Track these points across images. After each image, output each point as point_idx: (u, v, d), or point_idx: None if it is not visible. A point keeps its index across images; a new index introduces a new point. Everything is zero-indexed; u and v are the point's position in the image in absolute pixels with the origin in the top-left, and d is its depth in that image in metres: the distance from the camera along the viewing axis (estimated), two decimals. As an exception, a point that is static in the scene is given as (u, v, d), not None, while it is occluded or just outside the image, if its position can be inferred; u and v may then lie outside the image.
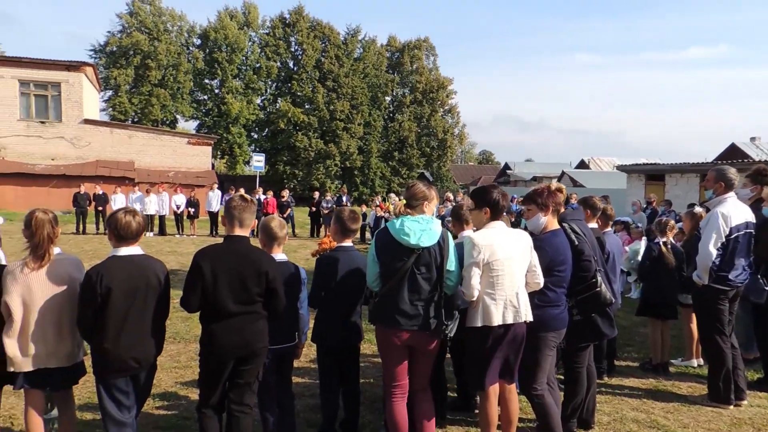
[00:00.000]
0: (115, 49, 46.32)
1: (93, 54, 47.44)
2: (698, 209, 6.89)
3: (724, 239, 5.16)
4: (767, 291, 5.75)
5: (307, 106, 47.69)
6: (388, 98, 52.11)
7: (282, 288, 3.72)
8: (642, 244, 8.54)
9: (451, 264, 3.80)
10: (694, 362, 6.63)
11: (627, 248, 8.67)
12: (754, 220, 5.37)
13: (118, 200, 20.31)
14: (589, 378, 4.65)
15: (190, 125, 52.92)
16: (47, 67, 28.91)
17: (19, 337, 3.43)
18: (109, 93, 46.50)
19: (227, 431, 3.70)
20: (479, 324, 3.78)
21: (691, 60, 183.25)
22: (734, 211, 5.21)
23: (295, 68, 48.92)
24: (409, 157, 49.62)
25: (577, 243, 4.25)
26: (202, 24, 50.70)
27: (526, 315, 3.84)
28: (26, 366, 3.45)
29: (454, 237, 4.35)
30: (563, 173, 41.59)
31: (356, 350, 4.43)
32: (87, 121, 29.80)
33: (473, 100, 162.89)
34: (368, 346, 6.68)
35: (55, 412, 3.78)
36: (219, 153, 48.40)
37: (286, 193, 22.17)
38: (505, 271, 3.77)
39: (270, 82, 50.50)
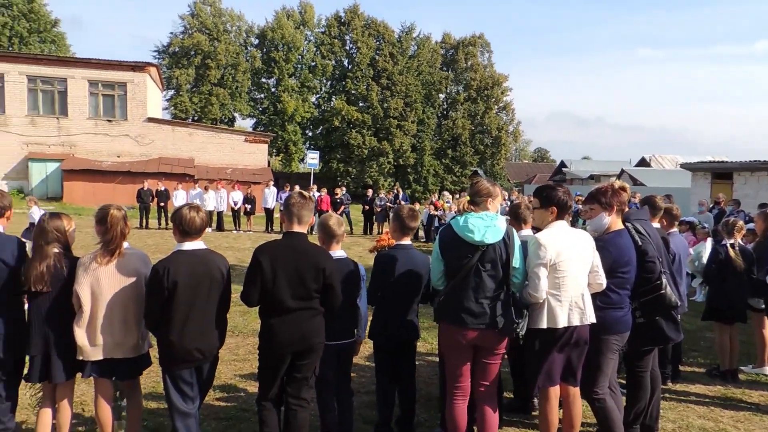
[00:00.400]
0: (177, 49, 47.83)
1: (156, 55, 49.23)
2: (772, 209, 6.53)
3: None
4: None
5: (361, 104, 47.94)
6: (441, 96, 51.78)
7: (339, 284, 3.74)
8: (707, 246, 8.18)
9: (517, 261, 3.73)
10: (767, 369, 6.30)
11: (691, 250, 8.33)
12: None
13: (179, 196, 20.97)
14: (653, 383, 4.49)
15: (247, 123, 54.23)
16: (114, 68, 30.19)
17: (88, 328, 3.58)
18: (171, 92, 48.07)
19: (285, 424, 3.76)
20: (544, 326, 3.71)
21: (763, 53, 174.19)
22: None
23: (350, 66, 49.26)
24: (463, 155, 49.18)
25: (640, 243, 4.11)
26: (260, 24, 51.82)
27: (591, 317, 3.75)
28: (94, 355, 3.60)
29: None
30: (622, 171, 40.31)
31: (413, 348, 4.41)
32: (150, 120, 30.96)
33: (528, 97, 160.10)
34: (423, 345, 6.67)
35: (123, 402, 3.92)
36: (274, 150, 49.27)
37: (339, 191, 22.36)
38: (570, 272, 3.69)
39: (325, 81, 51.03)
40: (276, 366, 3.67)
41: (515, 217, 4.72)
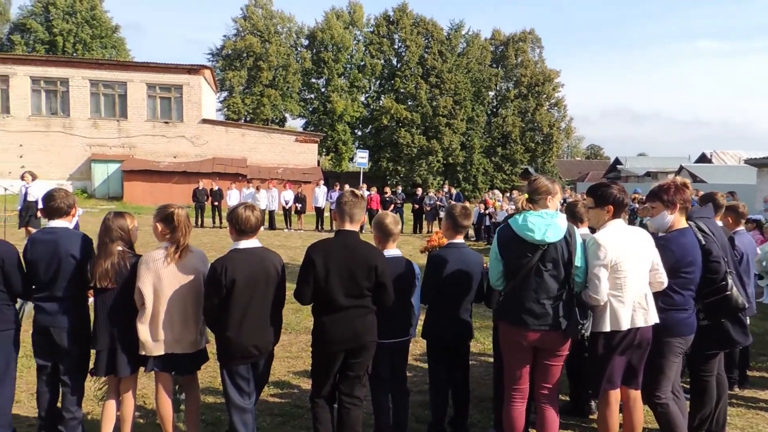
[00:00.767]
0: (230, 52, 48.97)
1: (210, 57, 50.59)
2: None
3: None
4: None
5: (409, 103, 47.88)
6: (491, 93, 51.16)
7: (391, 283, 3.74)
8: (777, 245, 7.78)
9: (579, 259, 3.62)
10: (842, 378, 5.94)
11: (759, 249, 7.94)
12: None
13: (232, 196, 21.46)
14: (719, 388, 4.30)
15: (298, 123, 55.03)
16: (171, 71, 31.16)
17: (150, 324, 3.70)
18: (225, 94, 49.26)
19: (338, 422, 3.78)
20: (607, 329, 3.60)
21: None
22: None
23: (399, 65, 49.29)
24: (513, 153, 48.46)
25: (704, 242, 3.94)
26: (310, 25, 52.43)
27: (655, 317, 3.62)
28: (156, 350, 3.71)
29: None
30: (681, 168, 38.84)
31: (466, 348, 4.37)
32: (205, 121, 31.81)
33: (581, 93, 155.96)
34: (476, 344, 6.59)
35: (182, 395, 4.03)
36: (324, 150, 49.80)
37: (389, 190, 22.41)
38: (631, 272, 3.58)
39: (374, 80, 51.23)
40: (328, 364, 3.70)
41: (572, 215, 4.60)
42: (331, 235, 3.81)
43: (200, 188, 21.83)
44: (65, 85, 29.97)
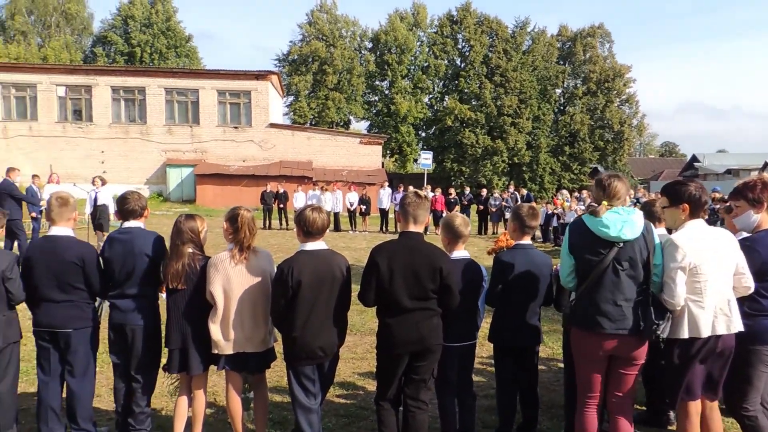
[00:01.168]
0: (296, 57, 50.02)
1: (277, 63, 51.82)
2: None
3: None
4: None
5: (474, 103, 47.36)
6: (558, 90, 49.85)
7: (457, 285, 3.67)
8: None
9: (658, 257, 3.43)
10: None
11: None
12: None
13: (298, 198, 21.86)
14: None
15: (362, 126, 55.50)
16: (240, 78, 32.17)
17: (221, 323, 3.79)
18: (291, 98, 50.34)
19: (403, 425, 3.75)
20: (686, 335, 3.39)
21: None
22: None
23: (462, 65, 48.86)
24: (581, 152, 47.03)
25: None
26: (374, 28, 52.82)
27: (738, 324, 3.38)
28: (227, 349, 3.80)
29: None
30: (766, 164, 36.58)
31: (534, 353, 4.25)
32: (272, 125, 32.62)
33: (654, 88, 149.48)
34: (545, 349, 6.40)
35: (251, 394, 4.11)
36: (388, 152, 50.03)
37: (453, 191, 22.25)
38: (711, 276, 3.35)
39: (437, 81, 51.03)
40: (393, 366, 3.67)
41: (649, 214, 4.36)
42: (396, 236, 3.78)
43: (267, 191, 22.35)
44: (142, 93, 31.46)
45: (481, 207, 21.46)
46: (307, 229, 3.67)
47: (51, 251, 3.89)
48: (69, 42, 50.90)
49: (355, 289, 3.73)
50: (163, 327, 4.04)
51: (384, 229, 21.39)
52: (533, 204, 4.42)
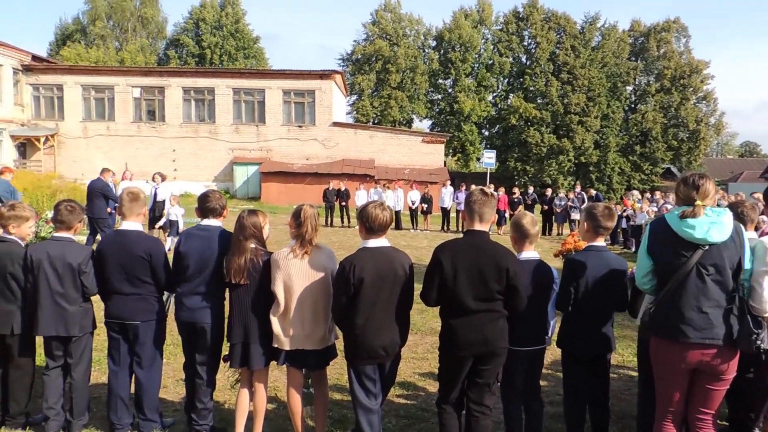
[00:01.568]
0: (359, 56, 50.38)
1: (341, 63, 52.35)
2: None
3: None
4: None
5: (539, 101, 46.30)
6: (629, 88, 48.05)
7: (524, 286, 3.52)
8: None
9: (749, 262, 3.17)
10: None
11: None
12: None
13: (360, 196, 21.94)
14: None
15: (424, 125, 55.31)
16: (304, 77, 32.68)
17: (282, 319, 3.78)
18: (354, 97, 50.73)
19: (466, 430, 3.62)
20: None
21: None
22: None
23: (528, 62, 47.88)
24: (653, 151, 45.14)
25: None
26: (438, 26, 52.49)
27: None
28: (286, 345, 3.80)
29: None
30: None
31: (606, 361, 4.00)
32: (335, 124, 32.96)
33: (734, 85, 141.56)
34: (614, 356, 6.09)
35: (312, 390, 4.09)
36: (451, 151, 49.61)
37: (518, 190, 21.79)
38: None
39: (502, 78, 50.20)
40: (456, 369, 3.56)
41: (736, 217, 4.05)
42: (459, 235, 3.66)
43: (330, 189, 22.55)
44: (211, 93, 32.45)
45: (546, 207, 20.89)
46: (369, 225, 3.60)
47: (121, 245, 4.00)
48: (144, 45, 53.14)
49: (417, 288, 3.64)
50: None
51: (446, 228, 21.18)
52: (609, 203, 4.18)
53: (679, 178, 3.26)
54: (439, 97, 51.73)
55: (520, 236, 3.86)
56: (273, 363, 4.00)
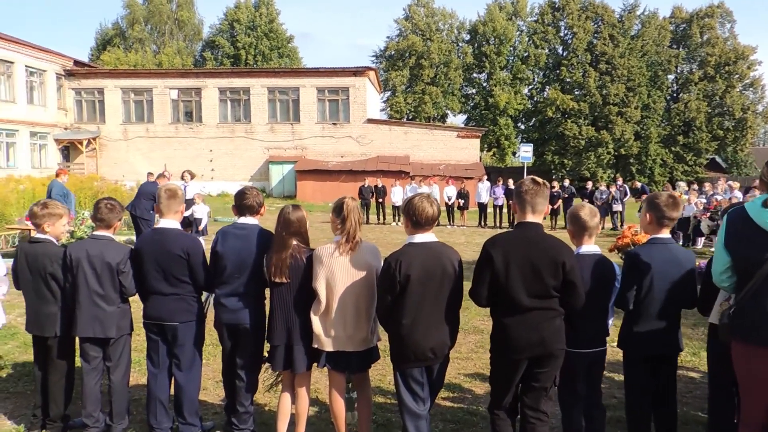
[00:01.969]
0: (392, 53, 50.14)
1: (374, 59, 52.16)
2: None
3: None
4: None
5: (576, 92, 45.32)
6: (671, 76, 46.58)
7: (581, 282, 3.26)
8: None
9: None
10: None
11: None
12: None
13: (396, 192, 21.75)
14: None
15: (459, 120, 54.78)
16: (338, 75, 32.61)
17: (323, 319, 3.61)
18: (388, 94, 50.52)
19: (521, 437, 3.39)
20: None
21: None
22: None
23: (565, 53, 46.88)
24: (697, 141, 43.63)
25: None
26: (472, 19, 51.86)
27: None
28: (327, 346, 3.62)
29: None
30: None
31: (673, 363, 3.69)
32: (370, 121, 32.83)
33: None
34: (686, 357, 5.73)
35: (354, 394, 3.91)
36: (486, 146, 48.98)
37: (556, 184, 21.24)
38: None
39: (538, 71, 49.31)
40: (510, 372, 3.32)
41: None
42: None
43: (365, 185, 22.42)
44: (247, 93, 32.69)
45: (586, 200, 20.32)
46: (416, 219, 3.37)
47: (159, 243, 3.88)
48: (181, 47, 54.00)
49: (465, 286, 3.41)
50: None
51: (483, 223, 20.81)
52: (673, 192, 3.87)
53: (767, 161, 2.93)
54: (474, 91, 51.13)
55: (579, 229, 3.58)
56: (313, 365, 3.84)
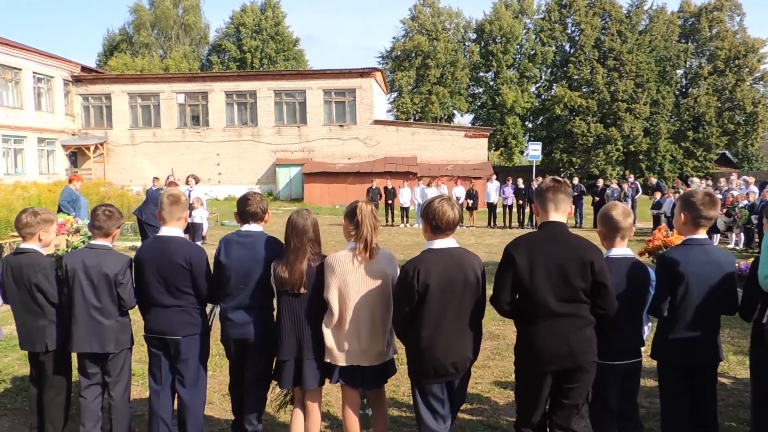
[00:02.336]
0: (398, 53, 49.92)
1: (380, 60, 51.97)
2: None
3: None
4: None
5: (584, 90, 44.94)
6: (679, 71, 46.11)
7: (612, 284, 3.02)
8: None
9: None
10: None
11: None
12: None
13: (404, 193, 21.50)
14: None
15: (466, 120, 54.48)
16: (344, 76, 32.42)
17: (336, 331, 3.37)
18: (394, 95, 50.28)
19: (550, 456, 3.14)
20: None
21: None
22: None
23: (572, 50, 46.50)
24: (707, 137, 43.12)
25: None
26: (478, 18, 51.57)
27: None
28: (340, 360, 3.38)
29: None
30: None
31: (713, 372, 3.40)
32: (377, 122, 32.61)
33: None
34: (731, 366, 5.45)
35: (369, 411, 3.68)
36: (493, 145, 48.65)
37: (567, 182, 20.90)
38: None
39: (545, 68, 48.95)
40: (536, 385, 3.07)
41: None
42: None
43: (373, 187, 22.18)
44: (253, 96, 32.55)
45: (597, 198, 19.96)
46: (435, 223, 3.13)
47: (160, 252, 3.64)
48: (187, 52, 54.00)
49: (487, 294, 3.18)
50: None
51: (492, 224, 20.50)
52: (710, 189, 3.61)
53: None
54: (481, 90, 50.85)
55: (610, 230, 3.30)
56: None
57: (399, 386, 4.95)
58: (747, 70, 43.45)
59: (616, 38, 43.80)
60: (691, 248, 3.25)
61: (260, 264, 3.55)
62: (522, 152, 50.42)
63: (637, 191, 20.66)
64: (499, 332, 6.61)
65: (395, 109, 49.70)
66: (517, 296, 3.10)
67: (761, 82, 44.87)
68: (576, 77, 45.19)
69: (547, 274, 2.97)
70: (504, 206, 20.46)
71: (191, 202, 12.77)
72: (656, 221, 18.00)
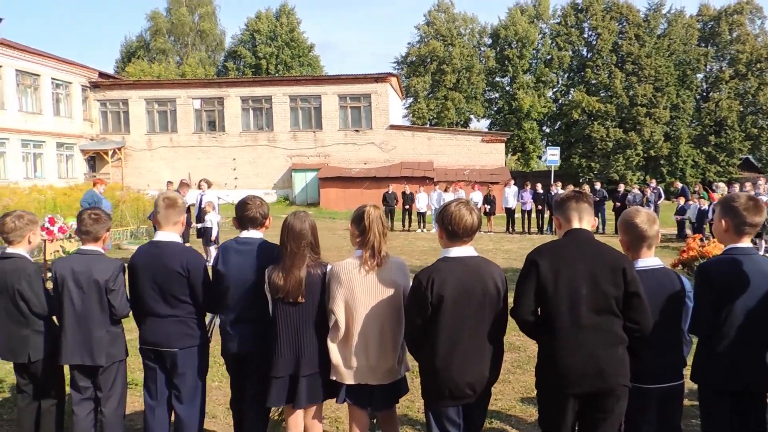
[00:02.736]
0: (414, 59, 49.74)
1: (396, 66, 51.78)
2: None
3: None
4: None
5: (602, 94, 44.36)
6: (700, 75, 45.32)
7: (645, 296, 2.73)
8: None
9: None
10: None
11: None
12: None
13: (420, 198, 21.24)
14: None
15: (482, 125, 54.09)
16: (360, 81, 32.30)
17: (343, 347, 3.11)
18: (410, 100, 50.08)
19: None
20: None
21: None
22: None
23: (589, 55, 45.98)
24: (730, 141, 42.30)
25: None
26: (493, 23, 51.28)
27: None
28: (348, 378, 3.12)
29: None
30: None
31: (762, 396, 3.04)
32: (392, 127, 32.41)
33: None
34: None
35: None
36: (510, 150, 48.20)
37: (587, 187, 20.53)
38: None
39: (562, 73, 48.46)
40: (561, 409, 2.77)
41: None
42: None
43: (389, 192, 21.95)
44: (269, 102, 32.54)
45: (618, 204, 19.52)
46: (452, 229, 2.86)
47: (155, 258, 3.41)
48: (203, 58, 54.38)
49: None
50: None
51: (510, 229, 20.14)
52: (751, 194, 3.30)
53: None
54: (497, 95, 50.49)
55: (635, 239, 2.98)
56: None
57: (414, 402, 4.67)
58: (770, 73, 42.59)
59: (633, 42, 43.22)
60: (736, 258, 2.92)
61: (260, 273, 3.29)
62: (540, 157, 49.88)
63: (660, 196, 20.21)
64: (521, 344, 6.29)
65: (411, 115, 49.50)
66: (539, 310, 2.83)
67: (785, 86, 43.90)
68: (594, 82, 44.66)
69: (575, 281, 2.71)
70: (523, 211, 20.11)
71: (203, 206, 12.56)
72: (680, 227, 17.56)
